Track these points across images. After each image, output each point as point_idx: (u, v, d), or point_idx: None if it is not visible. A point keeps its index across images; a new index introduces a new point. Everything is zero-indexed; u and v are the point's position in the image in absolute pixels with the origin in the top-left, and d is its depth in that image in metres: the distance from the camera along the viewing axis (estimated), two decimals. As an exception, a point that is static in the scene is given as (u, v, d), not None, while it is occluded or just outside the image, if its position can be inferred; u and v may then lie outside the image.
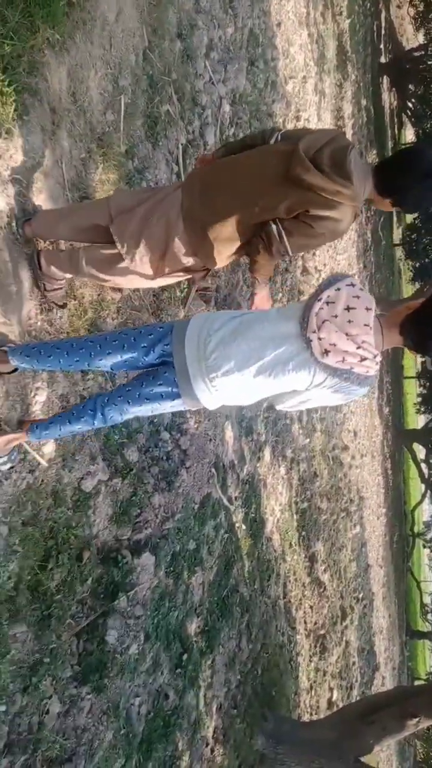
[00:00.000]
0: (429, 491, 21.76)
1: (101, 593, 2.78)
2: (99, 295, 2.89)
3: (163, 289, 3.49)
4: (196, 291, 3.88)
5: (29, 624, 2.29)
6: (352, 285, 1.94)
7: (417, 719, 4.46)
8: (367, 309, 1.89)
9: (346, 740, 4.50)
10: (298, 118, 6.79)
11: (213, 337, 1.95)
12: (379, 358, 1.89)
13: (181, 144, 3.71)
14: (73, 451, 2.64)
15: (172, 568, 3.42)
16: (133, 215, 2.20)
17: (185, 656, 3.46)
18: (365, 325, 1.86)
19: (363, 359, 1.84)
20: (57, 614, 2.42)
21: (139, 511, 3.15)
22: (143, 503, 3.19)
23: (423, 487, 22.57)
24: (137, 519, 3.14)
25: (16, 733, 2.21)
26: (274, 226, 2.07)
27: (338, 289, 1.91)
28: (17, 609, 2.24)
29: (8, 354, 2.12)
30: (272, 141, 2.19)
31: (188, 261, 2.24)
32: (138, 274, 2.28)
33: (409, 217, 17.76)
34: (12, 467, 2.24)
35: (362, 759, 4.51)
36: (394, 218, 20.74)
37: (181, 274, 2.31)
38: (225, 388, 1.96)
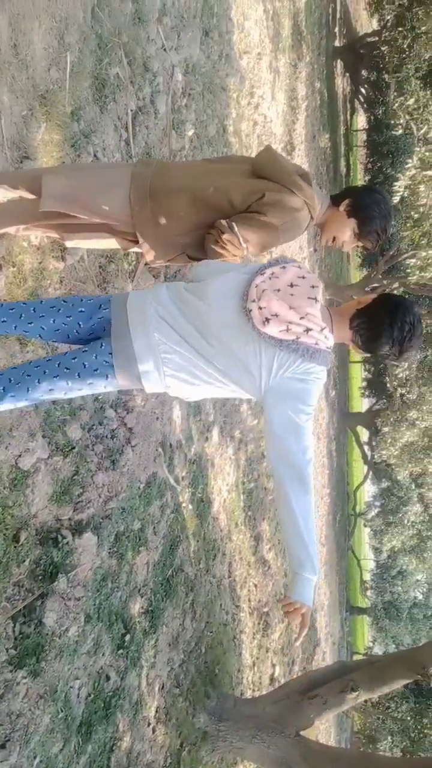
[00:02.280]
0: (371, 472, 22.37)
1: (39, 575, 2.68)
2: (41, 263, 2.74)
3: (110, 260, 3.36)
4: (145, 264, 3.77)
5: (-39, 607, 2.18)
6: (299, 267, 1.86)
7: (356, 693, 4.57)
8: (313, 287, 1.79)
9: (288, 715, 4.56)
10: (252, 95, 6.68)
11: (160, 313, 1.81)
12: (327, 333, 1.78)
13: (131, 110, 3.55)
14: (10, 427, 2.51)
15: (115, 549, 3.35)
16: (72, 175, 2.09)
17: (128, 637, 3.41)
18: (310, 298, 1.75)
19: (308, 330, 1.73)
20: (-8, 597, 2.32)
21: (81, 490, 3.05)
22: (86, 482, 3.09)
23: (365, 468, 23.18)
24: (79, 498, 3.04)
25: None
26: (223, 220, 1.99)
27: (283, 267, 1.84)
28: None
29: None
30: None
31: (118, 222, 2.05)
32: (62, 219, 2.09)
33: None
34: None
35: (302, 733, 4.59)
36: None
37: (105, 235, 2.13)
38: (176, 375, 1.81)
